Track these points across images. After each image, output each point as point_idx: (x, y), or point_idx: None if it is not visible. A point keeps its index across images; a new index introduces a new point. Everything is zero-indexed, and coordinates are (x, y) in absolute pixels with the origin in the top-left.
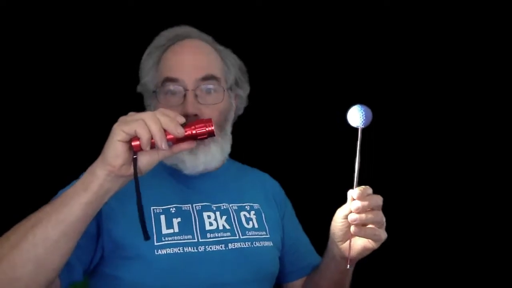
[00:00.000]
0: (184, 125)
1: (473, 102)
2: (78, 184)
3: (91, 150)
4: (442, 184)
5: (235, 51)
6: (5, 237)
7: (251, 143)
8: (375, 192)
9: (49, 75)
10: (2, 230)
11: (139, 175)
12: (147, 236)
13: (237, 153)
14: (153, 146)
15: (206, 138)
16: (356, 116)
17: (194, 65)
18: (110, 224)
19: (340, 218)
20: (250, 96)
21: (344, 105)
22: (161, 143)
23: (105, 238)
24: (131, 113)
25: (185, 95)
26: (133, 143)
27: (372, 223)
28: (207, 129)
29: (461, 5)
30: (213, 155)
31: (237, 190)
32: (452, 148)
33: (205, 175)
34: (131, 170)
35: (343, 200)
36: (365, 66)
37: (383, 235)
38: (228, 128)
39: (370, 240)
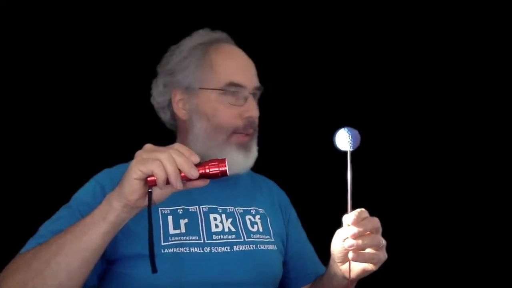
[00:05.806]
0: (198, 164)
1: (465, 120)
2: (96, 213)
3: (91, 150)
4: (439, 202)
5: None
6: (25, 263)
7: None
8: (372, 212)
9: (48, 75)
10: (2, 230)
11: (152, 205)
12: (155, 270)
13: None
14: (167, 182)
15: (219, 177)
16: (344, 140)
17: (253, 72)
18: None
19: (338, 241)
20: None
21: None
22: (176, 183)
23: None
24: (147, 147)
25: (245, 97)
26: (148, 179)
27: (370, 247)
28: (220, 169)
29: (460, 15)
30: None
31: (243, 194)
32: (445, 162)
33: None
34: (146, 202)
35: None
36: (370, 80)
37: (383, 257)
38: None
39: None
